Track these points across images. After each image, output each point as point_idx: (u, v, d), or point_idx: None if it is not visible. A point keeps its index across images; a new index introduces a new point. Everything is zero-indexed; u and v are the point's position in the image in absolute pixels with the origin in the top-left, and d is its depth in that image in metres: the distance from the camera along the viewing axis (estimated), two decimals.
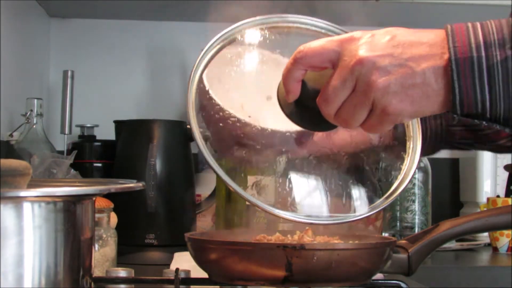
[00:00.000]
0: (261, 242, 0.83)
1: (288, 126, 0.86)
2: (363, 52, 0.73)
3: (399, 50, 0.72)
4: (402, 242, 0.90)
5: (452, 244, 1.78)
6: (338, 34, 0.85)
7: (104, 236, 1.22)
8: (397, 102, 0.72)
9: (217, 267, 0.82)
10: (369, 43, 0.73)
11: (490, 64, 0.69)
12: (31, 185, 0.78)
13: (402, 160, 0.89)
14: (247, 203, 1.40)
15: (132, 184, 0.84)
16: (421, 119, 0.95)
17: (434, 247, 0.91)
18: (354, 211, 0.87)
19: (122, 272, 0.90)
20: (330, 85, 0.75)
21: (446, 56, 0.71)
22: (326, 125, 0.80)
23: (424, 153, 0.98)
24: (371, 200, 0.86)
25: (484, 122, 0.72)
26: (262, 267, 0.78)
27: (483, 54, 0.70)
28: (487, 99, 0.70)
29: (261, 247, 0.79)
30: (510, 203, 1.75)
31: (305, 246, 0.77)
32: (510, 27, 0.70)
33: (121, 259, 1.32)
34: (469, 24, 0.71)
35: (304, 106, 0.81)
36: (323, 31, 0.88)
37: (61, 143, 1.73)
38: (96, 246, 1.19)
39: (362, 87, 0.73)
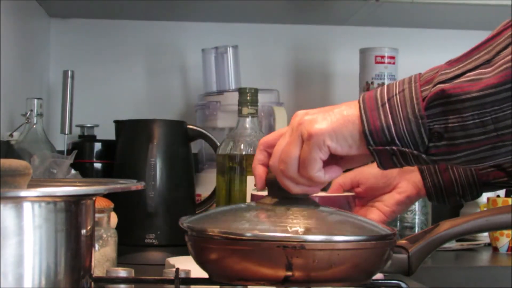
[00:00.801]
0: (261, 242, 0.83)
1: None
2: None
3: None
4: (402, 242, 0.89)
5: (452, 244, 1.78)
6: None
7: (104, 236, 1.22)
8: (317, 124, 0.82)
9: (217, 266, 0.82)
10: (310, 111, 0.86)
11: (390, 96, 0.81)
12: (31, 185, 0.78)
13: None
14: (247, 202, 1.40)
15: (132, 184, 0.84)
16: (445, 171, 1.08)
17: (434, 247, 0.91)
18: None
19: (122, 272, 0.90)
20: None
21: (356, 103, 0.83)
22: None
23: (466, 199, 1.11)
24: None
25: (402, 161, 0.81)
26: (262, 267, 0.78)
27: (385, 91, 0.82)
28: (391, 124, 0.79)
29: (261, 247, 0.78)
30: (510, 203, 1.75)
31: (305, 246, 0.77)
32: (407, 79, 0.81)
33: (121, 259, 1.32)
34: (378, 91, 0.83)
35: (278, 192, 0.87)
36: None
37: (61, 143, 1.73)
38: (96, 246, 1.19)
39: (295, 130, 0.84)
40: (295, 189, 0.86)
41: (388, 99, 0.81)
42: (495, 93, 0.75)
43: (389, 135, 0.80)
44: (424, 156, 0.80)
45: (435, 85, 0.78)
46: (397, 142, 0.80)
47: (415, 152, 0.80)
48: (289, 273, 0.77)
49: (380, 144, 0.81)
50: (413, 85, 0.80)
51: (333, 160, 0.85)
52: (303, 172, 0.84)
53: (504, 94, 0.75)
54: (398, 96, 0.80)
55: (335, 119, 0.82)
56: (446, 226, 0.91)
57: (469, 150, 0.78)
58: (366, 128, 0.81)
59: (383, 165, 0.83)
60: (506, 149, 0.78)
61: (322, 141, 0.82)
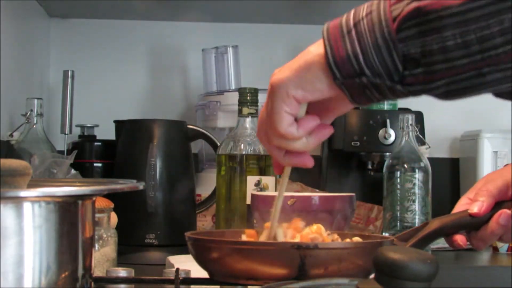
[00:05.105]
0: (273, 242, 0.84)
1: None
2: None
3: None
4: (395, 240, 0.93)
5: None
6: None
7: (104, 236, 1.22)
8: (278, 74, 0.75)
9: (220, 266, 0.82)
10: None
11: (356, 21, 0.71)
12: (31, 185, 0.78)
13: None
14: (247, 203, 1.41)
15: (132, 184, 0.84)
16: None
17: (425, 244, 0.94)
18: None
19: (122, 272, 0.90)
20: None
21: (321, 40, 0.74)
22: None
23: None
24: None
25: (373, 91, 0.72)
26: (275, 266, 0.79)
27: (351, 16, 0.72)
28: (359, 52, 0.70)
29: (274, 247, 0.80)
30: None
31: (318, 246, 0.79)
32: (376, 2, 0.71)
33: (121, 259, 1.32)
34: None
35: None
36: None
37: (61, 143, 1.73)
38: (96, 246, 1.19)
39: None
40: (283, 159, 0.79)
41: (355, 25, 0.71)
42: (479, 7, 0.64)
43: (357, 65, 0.70)
44: (399, 86, 0.70)
45: (409, 3, 0.67)
46: (367, 72, 0.70)
47: (388, 82, 0.70)
48: (302, 272, 0.78)
49: (348, 76, 0.71)
50: (381, 5, 0.70)
51: (313, 111, 0.78)
52: (274, 131, 0.76)
53: (491, 8, 0.64)
54: (365, 20, 0.70)
55: (297, 65, 0.74)
56: (436, 224, 0.94)
57: (450, 77, 0.67)
58: (331, 59, 0.71)
59: (356, 100, 0.74)
60: (493, 77, 0.67)
61: (285, 92, 0.74)
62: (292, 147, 0.78)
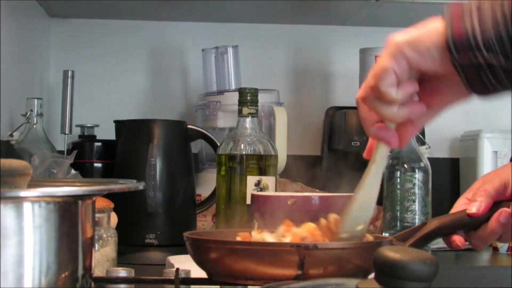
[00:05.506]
0: (273, 242, 0.84)
1: None
2: None
3: None
4: (394, 240, 0.93)
5: None
6: None
7: (104, 236, 1.22)
8: (396, 35, 0.76)
9: (219, 266, 0.82)
10: None
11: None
12: (31, 185, 0.78)
13: None
14: (247, 203, 1.41)
15: (132, 184, 0.84)
16: None
17: (423, 243, 0.97)
18: None
19: (122, 272, 0.90)
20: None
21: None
22: None
23: None
24: None
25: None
26: (274, 266, 0.79)
27: None
28: (477, 27, 0.70)
29: (274, 247, 0.80)
30: None
31: (317, 246, 0.79)
32: None
33: (121, 259, 1.32)
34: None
35: None
36: None
37: (61, 143, 1.73)
38: (96, 246, 1.19)
39: None
40: (370, 128, 0.79)
41: (478, 4, 0.71)
42: None
43: (474, 40, 0.70)
44: None
45: None
46: (482, 47, 0.70)
47: (503, 61, 0.69)
48: (301, 272, 0.78)
49: (463, 50, 0.71)
50: None
51: (423, 94, 0.78)
52: (374, 88, 0.76)
53: None
54: None
55: (416, 31, 0.75)
56: (434, 224, 0.95)
57: None
58: (449, 33, 0.72)
59: (470, 84, 0.73)
60: None
61: (400, 51, 0.74)
62: (382, 112, 0.77)
